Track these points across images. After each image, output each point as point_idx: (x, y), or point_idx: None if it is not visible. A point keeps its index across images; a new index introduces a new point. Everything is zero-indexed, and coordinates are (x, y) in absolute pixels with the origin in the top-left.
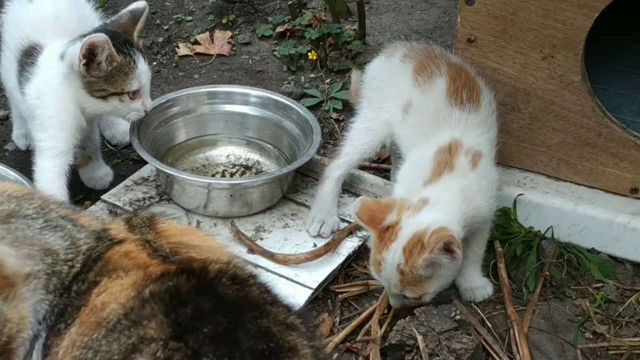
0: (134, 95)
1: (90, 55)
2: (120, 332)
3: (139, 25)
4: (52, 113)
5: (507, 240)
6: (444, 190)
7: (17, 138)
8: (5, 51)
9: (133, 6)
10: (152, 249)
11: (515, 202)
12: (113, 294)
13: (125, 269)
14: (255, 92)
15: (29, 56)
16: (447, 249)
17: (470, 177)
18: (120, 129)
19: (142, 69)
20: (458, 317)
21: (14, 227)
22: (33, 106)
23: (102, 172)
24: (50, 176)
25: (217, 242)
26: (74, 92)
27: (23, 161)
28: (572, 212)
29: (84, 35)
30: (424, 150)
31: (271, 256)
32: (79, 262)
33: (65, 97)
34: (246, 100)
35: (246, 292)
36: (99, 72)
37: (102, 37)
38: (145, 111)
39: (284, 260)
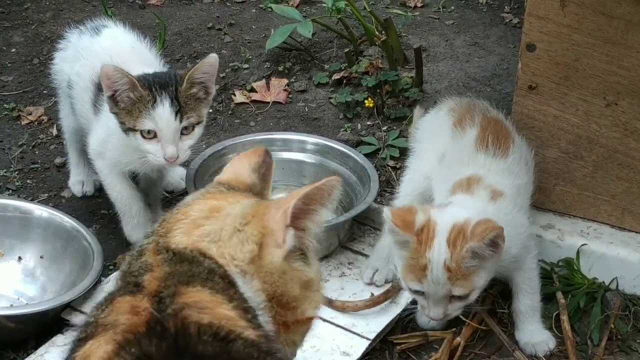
0: (149, 135)
1: (113, 85)
2: None
3: (193, 72)
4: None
5: (570, 291)
6: (462, 200)
7: (74, 185)
8: (77, 84)
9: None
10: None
11: (578, 252)
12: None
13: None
14: (312, 140)
15: None
16: (493, 241)
17: (488, 207)
18: (175, 176)
19: (161, 113)
20: None
21: None
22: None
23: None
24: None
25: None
26: None
27: (79, 208)
28: (638, 263)
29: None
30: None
31: (329, 302)
32: None
33: None
34: (303, 148)
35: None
36: (122, 103)
37: (111, 65)
38: (167, 159)
39: (342, 307)
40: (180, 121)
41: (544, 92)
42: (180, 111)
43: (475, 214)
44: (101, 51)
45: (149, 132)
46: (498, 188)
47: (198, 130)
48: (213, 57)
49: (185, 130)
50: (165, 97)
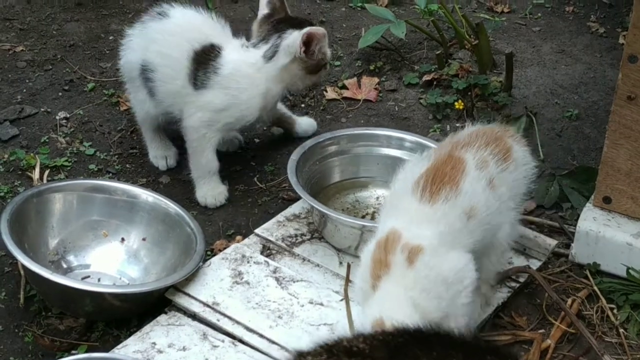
0: None
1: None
2: None
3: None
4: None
5: None
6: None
7: (157, 159)
8: (162, 66)
9: None
10: None
11: None
12: None
13: None
14: (410, 137)
15: (207, 55)
16: None
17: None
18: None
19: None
20: None
21: None
22: (215, 97)
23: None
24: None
25: None
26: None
27: (176, 194)
28: None
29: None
30: None
31: None
32: None
33: (259, 85)
34: (401, 145)
35: None
36: (320, 54)
37: (318, 28)
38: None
39: None
40: None
41: None
42: None
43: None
44: (179, 29)
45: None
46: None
47: None
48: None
49: None
50: None
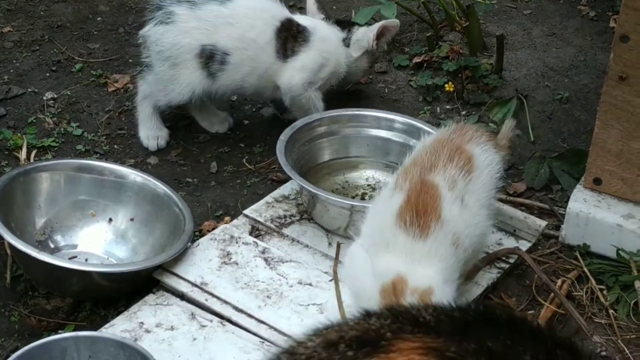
0: None
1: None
2: None
3: None
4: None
5: None
6: None
7: (150, 140)
8: (245, 48)
9: None
10: None
11: None
12: None
13: None
14: (400, 119)
15: (289, 28)
16: None
17: None
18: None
19: None
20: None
21: None
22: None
23: None
24: None
25: None
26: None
27: (165, 175)
28: None
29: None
30: None
31: None
32: None
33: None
34: (391, 126)
35: None
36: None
37: (395, 22)
38: None
39: None
40: None
41: (635, 84)
42: None
43: None
44: (251, 12)
45: None
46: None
47: None
48: None
49: None
50: None
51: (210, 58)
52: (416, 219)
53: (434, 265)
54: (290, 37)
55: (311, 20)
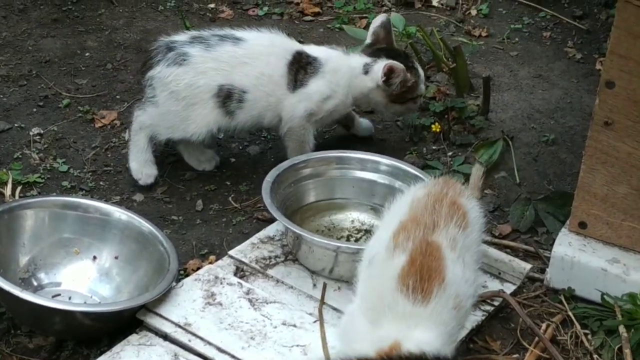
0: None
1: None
2: None
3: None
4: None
5: (634, 325)
6: None
7: (148, 177)
8: (261, 85)
9: (379, 20)
10: None
11: None
12: None
13: None
14: (386, 161)
15: (299, 60)
16: None
17: None
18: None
19: (422, 73)
20: None
21: None
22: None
23: None
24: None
25: None
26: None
27: (150, 212)
28: None
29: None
30: None
31: None
32: None
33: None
34: (376, 168)
35: None
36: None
37: (400, 66)
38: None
39: None
40: None
41: (620, 129)
42: None
43: None
44: (265, 49)
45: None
46: None
47: None
48: (384, 15)
49: None
50: (415, 62)
51: (228, 97)
52: (419, 283)
53: (433, 331)
54: (300, 69)
55: (326, 51)
